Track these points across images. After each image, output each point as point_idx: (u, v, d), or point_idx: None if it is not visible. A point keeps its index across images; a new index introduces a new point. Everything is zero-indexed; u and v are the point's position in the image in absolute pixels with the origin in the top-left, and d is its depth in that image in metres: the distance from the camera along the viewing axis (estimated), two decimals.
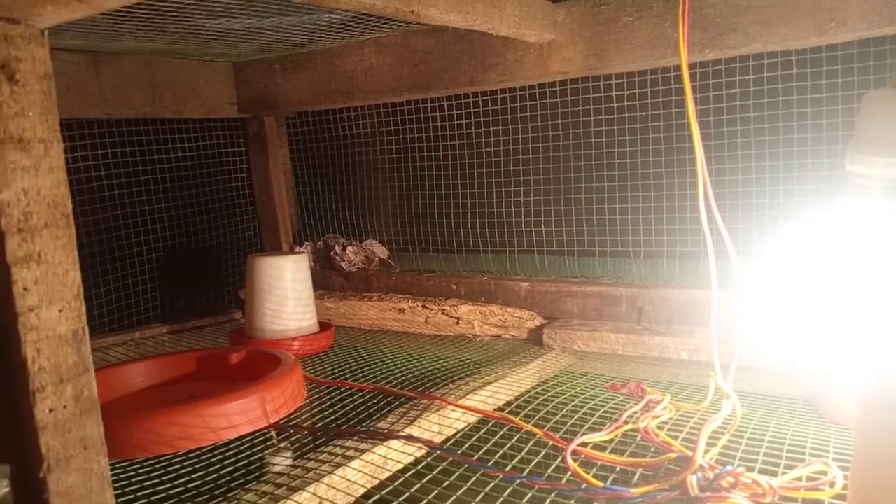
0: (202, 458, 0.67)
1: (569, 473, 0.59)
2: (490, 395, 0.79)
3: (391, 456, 0.64)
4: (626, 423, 0.69)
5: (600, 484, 0.57)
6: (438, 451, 0.65)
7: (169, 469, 0.65)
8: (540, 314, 1.11)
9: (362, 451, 0.63)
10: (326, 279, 1.35)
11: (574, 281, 1.11)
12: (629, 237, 1.09)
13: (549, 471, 0.60)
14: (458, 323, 1.13)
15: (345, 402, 0.81)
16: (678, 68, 0.72)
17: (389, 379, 0.90)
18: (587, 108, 1.11)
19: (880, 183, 0.56)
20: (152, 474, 0.64)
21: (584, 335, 1.01)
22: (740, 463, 0.59)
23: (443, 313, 1.14)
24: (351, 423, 0.74)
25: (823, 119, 0.91)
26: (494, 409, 0.76)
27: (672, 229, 1.04)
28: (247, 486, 0.59)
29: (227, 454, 0.68)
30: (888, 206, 0.56)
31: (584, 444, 0.64)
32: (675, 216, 1.04)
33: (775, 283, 0.80)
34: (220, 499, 0.58)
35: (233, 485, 0.61)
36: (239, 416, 0.70)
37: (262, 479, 0.61)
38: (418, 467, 0.63)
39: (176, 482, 0.62)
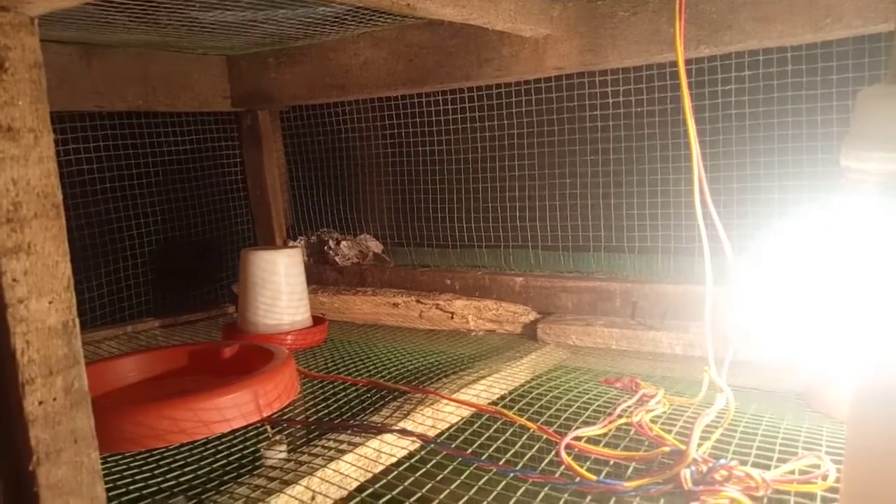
0: (194, 451, 0.67)
1: (562, 467, 0.59)
2: (484, 389, 0.79)
3: (385, 450, 0.64)
4: (619, 417, 0.69)
5: (594, 477, 0.57)
6: (432, 445, 0.65)
7: (161, 462, 0.65)
8: (534, 309, 1.11)
9: (356, 445, 0.63)
10: (320, 273, 1.35)
11: (568, 276, 1.11)
12: (624, 232, 1.09)
13: (542, 464, 0.60)
14: (452, 318, 1.13)
15: (338, 397, 0.81)
16: (674, 64, 0.73)
17: (383, 373, 0.90)
18: (582, 103, 1.11)
19: (875, 178, 0.56)
20: (144, 468, 0.63)
21: (578, 330, 1.01)
22: (734, 456, 0.59)
23: (437, 308, 1.14)
24: (344, 417, 0.74)
25: (818, 115, 0.91)
26: (488, 403, 0.76)
27: (667, 225, 1.05)
28: (239, 480, 0.59)
29: (219, 448, 0.67)
30: (883, 202, 0.57)
31: (577, 438, 0.64)
32: (669, 212, 1.04)
33: (770, 279, 0.81)
34: (213, 492, 0.57)
35: (225, 478, 0.60)
36: (231, 409, 0.70)
37: (254, 472, 0.61)
38: (412, 461, 0.62)
39: (168, 475, 0.62)
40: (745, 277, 0.73)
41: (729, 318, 0.72)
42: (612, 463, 0.60)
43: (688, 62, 0.95)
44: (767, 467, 0.56)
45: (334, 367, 0.94)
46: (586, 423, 0.68)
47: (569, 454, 0.61)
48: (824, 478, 0.54)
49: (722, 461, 0.56)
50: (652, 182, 1.06)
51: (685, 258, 1.02)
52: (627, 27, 0.93)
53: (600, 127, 1.10)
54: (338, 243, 1.33)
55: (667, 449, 0.61)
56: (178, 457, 0.66)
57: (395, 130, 1.33)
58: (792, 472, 0.56)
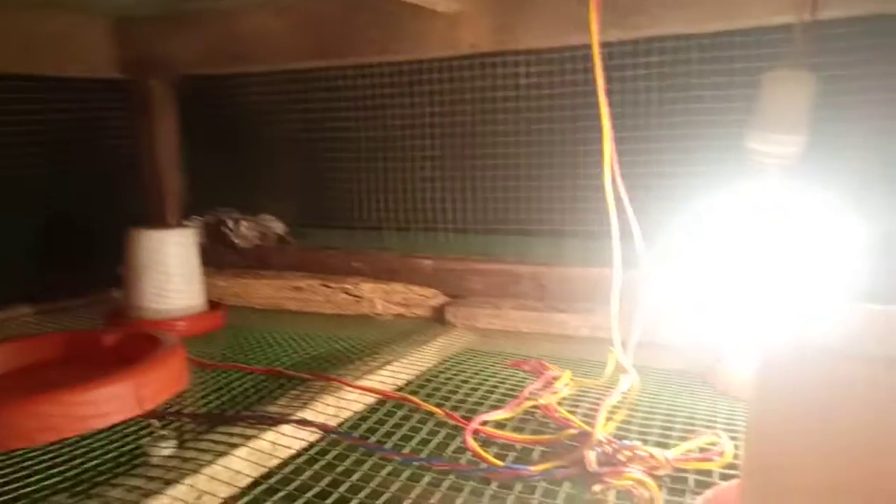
0: (64, 451, 0.60)
1: (469, 453, 0.57)
2: (390, 375, 0.76)
3: (282, 442, 0.59)
4: (526, 400, 0.68)
5: (500, 463, 0.55)
6: (333, 435, 0.61)
7: (23, 465, 0.57)
8: (444, 292, 1.08)
9: (249, 438, 0.59)
10: (218, 256, 1.27)
11: (478, 259, 1.10)
12: (534, 215, 1.09)
13: (449, 451, 0.58)
14: (359, 301, 1.09)
15: (233, 387, 0.76)
16: (587, 47, 0.73)
17: (284, 360, 0.85)
18: (496, 83, 1.09)
19: (778, 160, 0.58)
20: (4, 472, 0.56)
21: (487, 313, 0.99)
22: (638, 437, 0.59)
23: (343, 292, 1.10)
24: (239, 409, 0.69)
25: (727, 103, 0.93)
26: (394, 389, 0.73)
27: (577, 208, 1.05)
28: (114, 481, 0.53)
29: (94, 446, 0.61)
30: (786, 183, 0.58)
31: (484, 423, 0.63)
32: (580, 195, 1.05)
33: (679, 262, 0.82)
34: (82, 496, 0.51)
35: (98, 479, 0.54)
36: (110, 403, 0.63)
37: (133, 471, 0.55)
38: (311, 452, 0.59)
39: (31, 479, 0.55)
40: (655, 261, 0.73)
41: (637, 300, 0.72)
42: (518, 447, 0.59)
43: (601, 45, 0.96)
44: (669, 446, 0.57)
45: (231, 355, 0.88)
46: (494, 407, 0.67)
47: (476, 439, 0.59)
48: (722, 455, 0.55)
49: (626, 442, 0.56)
50: (563, 165, 1.06)
51: (595, 241, 1.03)
52: (542, 8, 0.92)
53: (512, 108, 1.09)
54: (238, 223, 1.25)
55: (573, 431, 0.60)
56: (44, 458, 0.58)
57: (303, 106, 1.27)
58: (692, 451, 0.56)
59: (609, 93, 0.96)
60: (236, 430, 0.61)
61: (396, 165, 1.20)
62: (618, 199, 0.67)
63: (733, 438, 0.56)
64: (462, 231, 1.14)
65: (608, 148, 0.66)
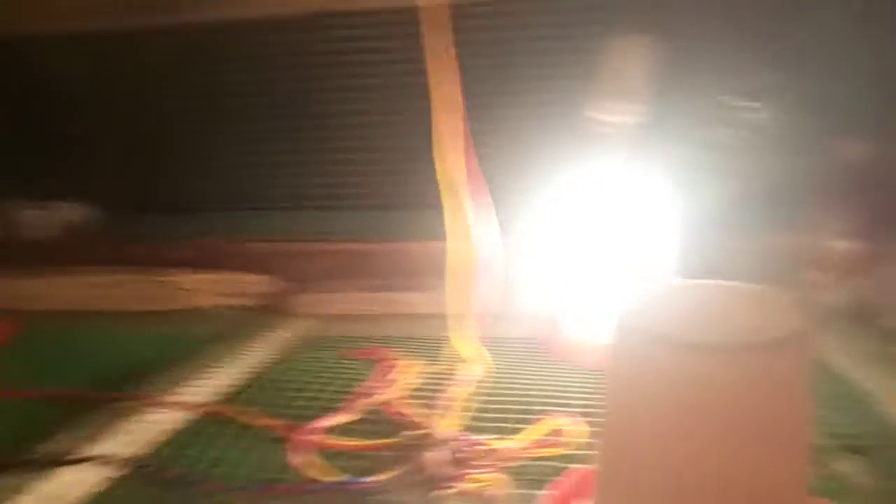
0: None
1: (302, 471, 0.50)
2: (213, 383, 0.67)
3: (67, 488, 0.49)
4: (369, 396, 0.62)
5: (340, 477, 0.49)
6: (138, 469, 0.52)
7: None
8: (280, 278, 1.00)
9: (29, 488, 0.47)
10: (6, 253, 1.08)
11: (317, 239, 1.02)
12: (374, 189, 1.03)
13: (284, 471, 0.51)
14: (181, 295, 0.97)
15: (9, 420, 0.62)
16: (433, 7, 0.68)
17: (83, 377, 0.72)
18: (330, 47, 1.01)
19: (618, 130, 0.57)
20: None
21: (329, 297, 0.93)
22: (489, 425, 0.56)
23: (162, 285, 0.97)
24: (16, 449, 0.55)
25: (570, 69, 0.92)
26: (220, 400, 0.64)
27: (419, 181, 1.00)
28: None
29: None
30: (626, 154, 0.58)
31: (320, 431, 0.56)
32: (421, 167, 1.00)
33: (521, 232, 0.80)
34: None
35: None
36: None
37: None
38: (113, 495, 0.49)
39: None
40: (496, 233, 0.70)
41: (484, 274, 0.69)
42: (360, 455, 0.53)
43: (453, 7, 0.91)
44: (521, 430, 0.54)
45: (13, 377, 0.73)
46: (333, 410, 0.60)
47: (311, 451, 0.52)
48: (575, 435, 0.53)
49: (474, 436, 0.52)
50: (402, 136, 1.01)
51: (439, 215, 0.99)
52: None
53: (337, 75, 1.02)
54: (28, 212, 1.08)
55: (419, 431, 0.55)
56: None
57: (106, 72, 1.10)
58: (545, 434, 0.54)
59: (455, 57, 0.93)
60: (11, 480, 0.49)
61: (219, 138, 1.08)
62: (462, 170, 0.63)
63: (580, 413, 0.54)
64: (297, 210, 1.06)
65: (451, 117, 0.61)
